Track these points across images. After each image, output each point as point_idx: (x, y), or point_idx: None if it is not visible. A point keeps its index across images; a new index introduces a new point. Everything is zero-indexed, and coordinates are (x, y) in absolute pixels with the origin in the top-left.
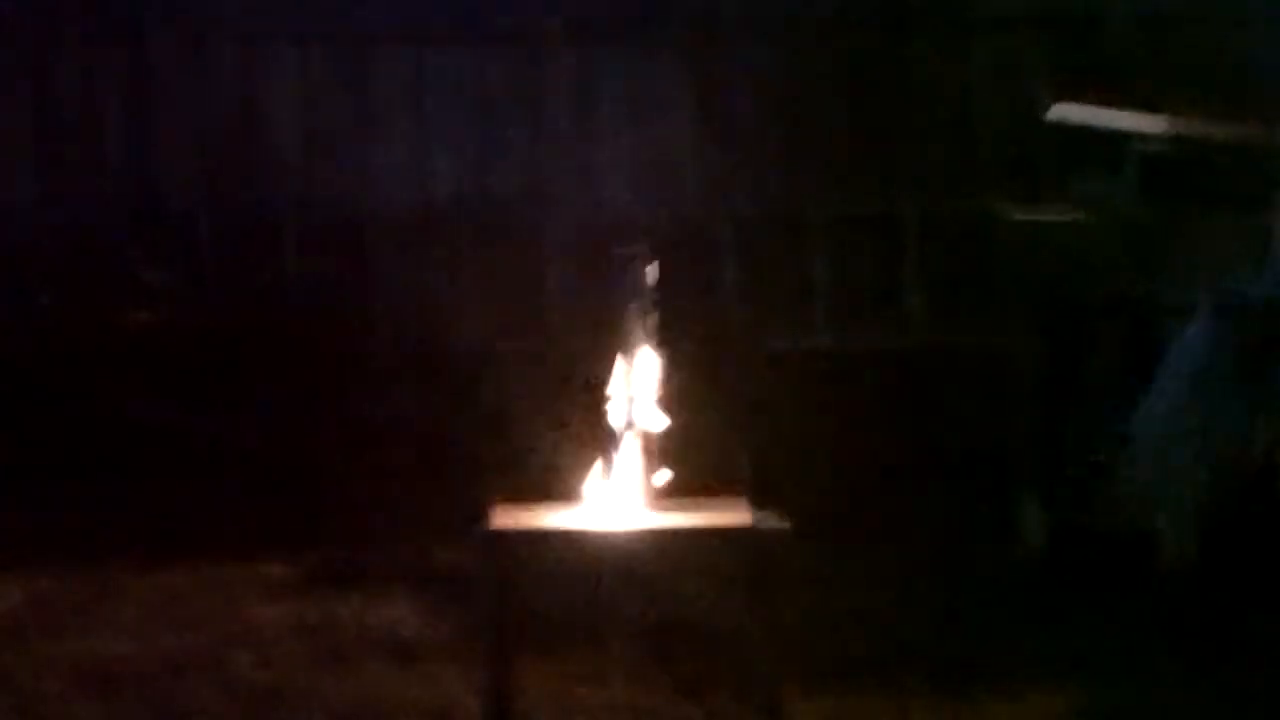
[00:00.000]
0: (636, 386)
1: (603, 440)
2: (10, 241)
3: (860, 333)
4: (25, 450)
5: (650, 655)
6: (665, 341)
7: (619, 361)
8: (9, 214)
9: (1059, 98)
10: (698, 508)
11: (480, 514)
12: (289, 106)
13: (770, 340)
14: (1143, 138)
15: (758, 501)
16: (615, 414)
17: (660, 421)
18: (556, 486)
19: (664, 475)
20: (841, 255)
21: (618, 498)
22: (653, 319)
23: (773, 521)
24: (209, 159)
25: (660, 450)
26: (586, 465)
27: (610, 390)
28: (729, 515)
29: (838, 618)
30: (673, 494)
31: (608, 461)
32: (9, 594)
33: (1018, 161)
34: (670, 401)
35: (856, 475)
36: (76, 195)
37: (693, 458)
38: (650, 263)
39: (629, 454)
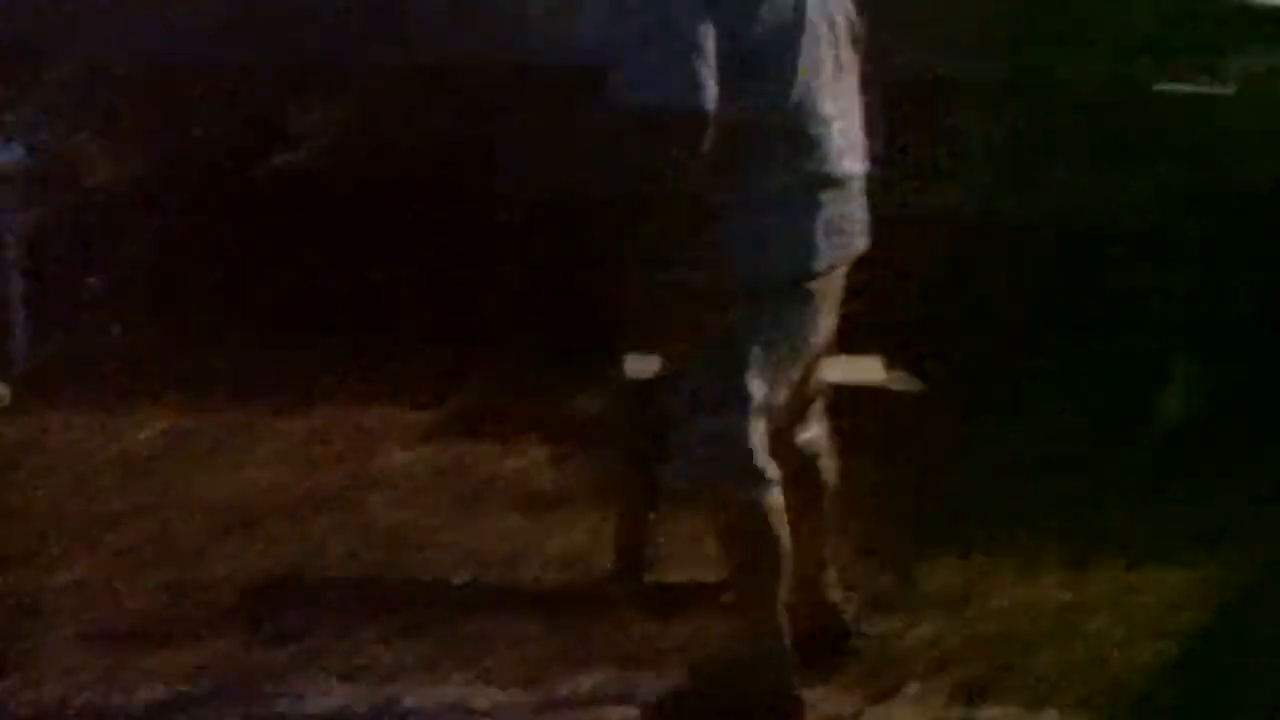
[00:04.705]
0: None
1: None
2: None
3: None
4: (165, 291)
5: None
6: None
7: None
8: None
9: None
10: (834, 367)
11: (615, 362)
12: None
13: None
14: None
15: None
16: None
17: None
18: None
19: None
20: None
21: None
22: None
23: (907, 383)
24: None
25: None
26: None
27: None
28: (863, 374)
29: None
30: None
31: None
32: (148, 426)
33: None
34: None
35: (988, 341)
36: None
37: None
38: None
39: None
